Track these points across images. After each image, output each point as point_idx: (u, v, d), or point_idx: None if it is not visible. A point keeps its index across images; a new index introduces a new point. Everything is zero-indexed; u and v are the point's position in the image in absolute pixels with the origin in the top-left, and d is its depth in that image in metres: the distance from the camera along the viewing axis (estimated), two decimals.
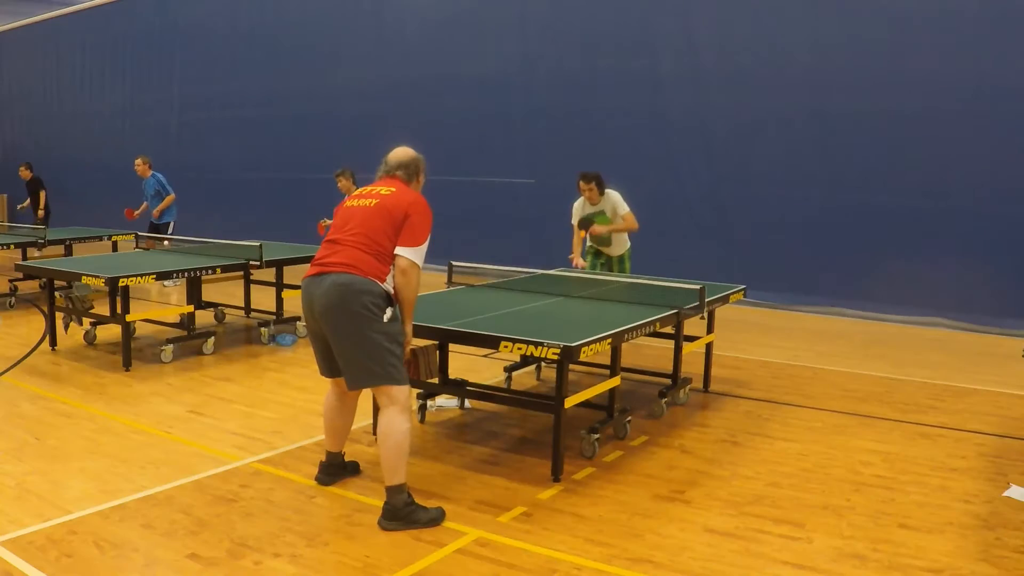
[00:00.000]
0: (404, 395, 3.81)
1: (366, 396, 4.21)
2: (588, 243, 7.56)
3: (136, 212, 11.02)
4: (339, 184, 9.19)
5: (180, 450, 4.73)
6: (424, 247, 3.84)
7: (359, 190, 4.04)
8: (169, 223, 10.79)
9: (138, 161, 10.84)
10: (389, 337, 3.75)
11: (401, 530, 3.73)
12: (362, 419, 4.76)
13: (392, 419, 3.77)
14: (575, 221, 7.36)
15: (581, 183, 7.20)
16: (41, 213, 12.69)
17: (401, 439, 3.76)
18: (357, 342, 3.72)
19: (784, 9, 9.49)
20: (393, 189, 3.92)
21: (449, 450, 4.82)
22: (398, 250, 3.78)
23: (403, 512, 3.76)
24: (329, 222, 9.41)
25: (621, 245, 7.40)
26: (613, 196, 7.22)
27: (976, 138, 8.45)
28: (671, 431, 5.24)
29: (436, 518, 3.81)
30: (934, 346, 7.97)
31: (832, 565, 3.47)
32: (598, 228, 7.19)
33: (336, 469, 4.26)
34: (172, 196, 10.75)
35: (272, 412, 5.49)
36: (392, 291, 3.81)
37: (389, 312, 3.75)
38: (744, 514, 3.97)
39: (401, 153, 4.11)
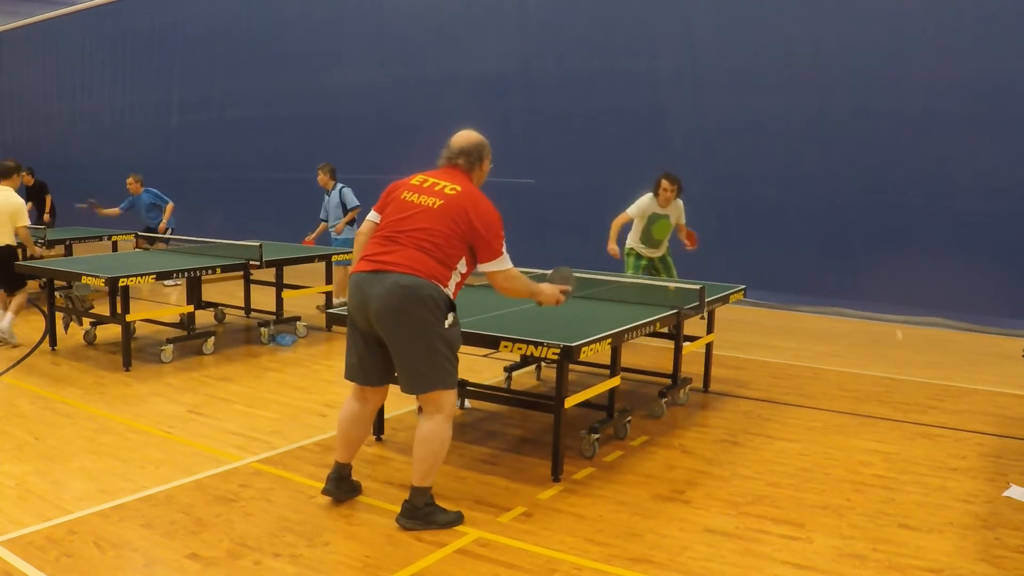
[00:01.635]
0: (451, 403, 3.74)
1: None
2: (628, 244, 7.53)
3: (105, 211, 11.13)
4: (319, 178, 9.27)
5: (180, 450, 4.73)
6: (505, 252, 3.72)
7: (420, 179, 3.81)
8: (169, 229, 10.91)
9: (130, 180, 10.99)
10: (447, 342, 3.66)
11: (419, 529, 3.71)
12: None
13: (436, 426, 3.69)
14: (632, 213, 7.34)
15: (665, 182, 7.19)
16: (47, 217, 12.63)
17: (440, 447, 3.71)
18: (417, 346, 3.61)
19: (784, 9, 9.49)
20: (458, 188, 3.71)
21: (449, 450, 4.80)
22: (482, 267, 3.68)
23: (422, 512, 3.74)
24: (312, 236, 9.47)
25: (664, 246, 7.49)
26: (680, 204, 7.32)
27: (976, 138, 8.45)
28: (671, 431, 5.24)
29: (454, 521, 3.79)
30: (934, 346, 7.97)
31: (832, 565, 3.47)
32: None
33: (346, 482, 4.04)
34: (172, 205, 10.90)
35: (272, 412, 5.48)
36: (452, 296, 3.69)
37: (451, 317, 3.65)
38: (744, 514, 3.97)
39: (463, 139, 3.90)
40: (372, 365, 3.81)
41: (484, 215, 3.69)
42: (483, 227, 3.66)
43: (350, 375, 3.89)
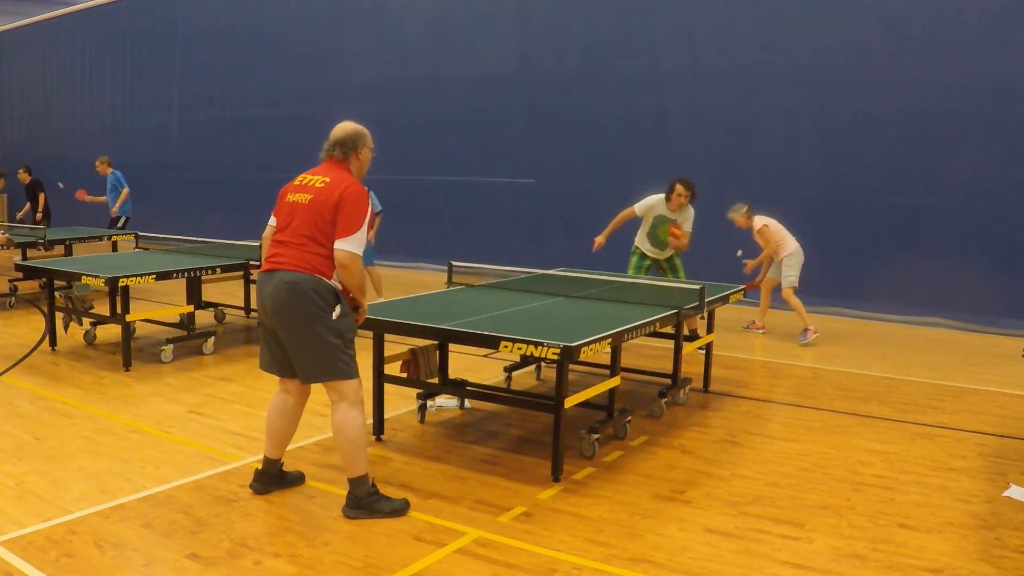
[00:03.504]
0: (353, 390, 3.84)
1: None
2: (635, 243, 7.48)
3: (88, 198, 11.44)
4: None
5: (180, 450, 4.73)
6: (361, 234, 3.76)
7: (300, 179, 3.95)
8: (123, 217, 11.29)
9: (98, 161, 11.37)
10: (337, 333, 3.78)
11: (364, 519, 3.80)
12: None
13: (344, 414, 3.81)
14: (638, 210, 7.29)
15: (679, 187, 7.07)
16: (39, 216, 12.59)
17: (355, 433, 3.81)
18: (306, 339, 3.75)
19: (784, 9, 9.50)
20: (327, 180, 3.83)
21: (449, 450, 4.82)
22: (336, 244, 3.73)
23: (366, 501, 3.83)
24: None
25: (670, 249, 7.36)
26: (690, 211, 7.20)
27: (976, 138, 8.46)
28: (671, 431, 5.24)
29: (399, 509, 3.87)
30: (934, 346, 7.97)
31: (832, 565, 3.47)
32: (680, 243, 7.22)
33: (272, 478, 4.12)
34: (127, 191, 11.26)
35: None
36: (340, 287, 3.82)
37: (338, 309, 3.78)
38: (744, 514, 3.97)
39: (339, 130, 4.02)
40: (282, 358, 3.93)
41: (351, 195, 3.78)
42: (347, 204, 3.75)
43: (265, 367, 4.03)
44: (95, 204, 11.70)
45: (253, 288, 8.31)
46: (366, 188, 3.93)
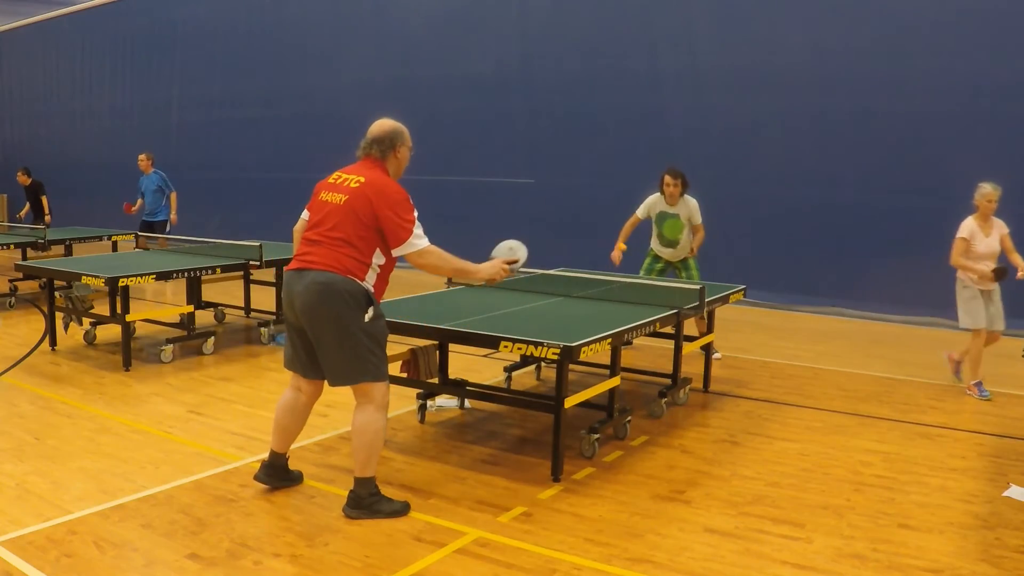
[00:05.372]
0: (381, 393, 3.82)
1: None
2: (650, 246, 7.46)
3: (134, 208, 11.03)
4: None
5: (180, 450, 4.73)
6: (415, 229, 3.74)
7: (335, 176, 3.90)
8: (166, 221, 10.93)
9: (142, 157, 10.86)
10: (369, 335, 3.75)
11: (364, 519, 3.81)
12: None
13: (369, 416, 3.79)
14: (640, 213, 7.23)
15: (668, 177, 7.01)
16: (48, 219, 12.40)
17: (375, 436, 3.81)
18: (338, 340, 3.72)
19: (784, 9, 9.50)
20: (362, 180, 3.78)
21: (449, 450, 4.82)
22: (395, 252, 3.77)
23: (367, 501, 3.84)
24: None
25: (684, 249, 7.21)
26: (691, 202, 7.07)
27: (976, 138, 8.45)
28: (671, 431, 5.24)
29: (399, 511, 3.87)
30: (934, 346, 7.96)
31: (832, 565, 3.47)
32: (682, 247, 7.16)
33: (279, 471, 4.14)
34: (175, 194, 10.88)
35: (272, 412, 5.41)
36: (372, 289, 3.78)
37: (371, 311, 3.74)
38: (744, 514, 3.97)
39: (376, 128, 3.95)
40: (306, 357, 3.92)
41: (387, 198, 3.73)
42: (387, 209, 3.71)
43: (288, 365, 4.03)
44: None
45: (253, 288, 8.33)
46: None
